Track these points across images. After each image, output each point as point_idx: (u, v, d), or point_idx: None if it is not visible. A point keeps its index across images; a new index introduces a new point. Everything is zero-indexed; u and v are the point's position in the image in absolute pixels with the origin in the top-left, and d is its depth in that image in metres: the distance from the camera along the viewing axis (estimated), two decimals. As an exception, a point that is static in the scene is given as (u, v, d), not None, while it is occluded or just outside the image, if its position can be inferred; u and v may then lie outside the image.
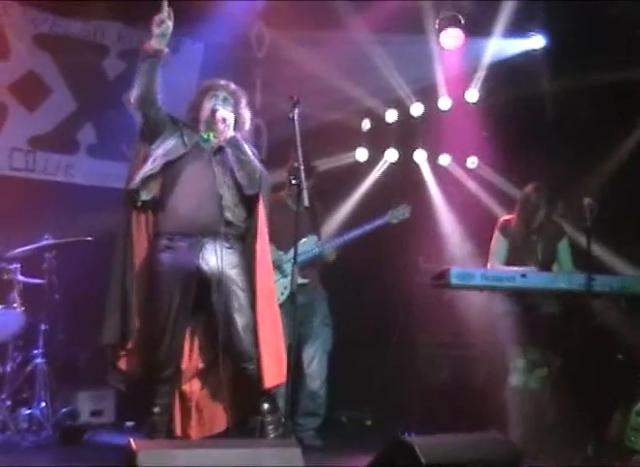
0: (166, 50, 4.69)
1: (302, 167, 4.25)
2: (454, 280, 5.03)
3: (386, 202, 6.04)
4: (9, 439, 5.35)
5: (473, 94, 7.03)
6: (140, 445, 3.38)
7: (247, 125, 4.83)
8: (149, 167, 4.57)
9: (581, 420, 5.00)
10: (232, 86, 4.82)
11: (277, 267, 5.56)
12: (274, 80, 7.04)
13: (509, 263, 5.48)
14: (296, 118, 4.34)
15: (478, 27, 6.67)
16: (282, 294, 5.56)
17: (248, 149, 4.66)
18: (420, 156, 7.35)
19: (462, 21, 6.63)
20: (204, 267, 4.51)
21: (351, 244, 5.86)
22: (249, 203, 4.66)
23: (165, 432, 4.57)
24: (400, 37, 6.82)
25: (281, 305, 5.46)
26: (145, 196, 4.58)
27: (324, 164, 6.52)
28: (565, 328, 5.32)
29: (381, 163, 7.42)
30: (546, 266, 5.53)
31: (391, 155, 7.40)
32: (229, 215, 4.53)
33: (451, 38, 6.68)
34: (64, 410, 5.83)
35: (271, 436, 4.45)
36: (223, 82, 4.83)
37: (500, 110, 6.90)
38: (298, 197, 4.27)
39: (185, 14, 6.69)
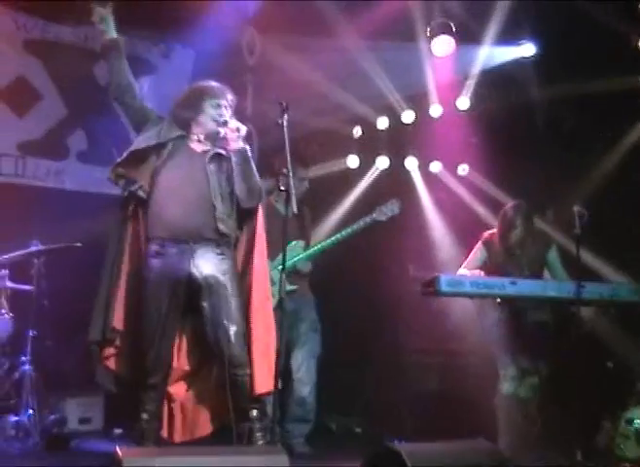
0: (121, 38, 4.77)
1: (290, 174, 4.24)
2: (444, 287, 5.01)
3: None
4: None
5: (464, 102, 7.04)
6: (126, 452, 3.35)
7: None
8: (130, 150, 4.57)
9: (570, 428, 4.99)
10: (231, 94, 4.77)
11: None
12: (266, 86, 7.03)
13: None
14: (285, 124, 4.31)
15: (469, 35, 6.67)
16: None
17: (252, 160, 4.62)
18: (411, 163, 7.36)
19: (453, 29, 6.61)
20: (195, 273, 4.48)
21: (342, 252, 5.84)
22: (243, 213, 4.63)
23: (154, 438, 4.54)
24: (391, 44, 6.82)
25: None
26: (118, 179, 4.59)
27: (315, 171, 6.51)
28: (555, 336, 5.32)
29: (372, 170, 7.43)
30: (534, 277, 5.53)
31: (382, 162, 7.40)
32: (222, 227, 4.51)
33: (442, 45, 6.66)
34: (52, 417, 5.81)
35: (260, 442, 4.42)
36: (223, 88, 4.76)
37: (491, 117, 6.91)
38: (286, 204, 4.26)
39: (175, 20, 6.74)
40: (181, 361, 4.69)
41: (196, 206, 4.51)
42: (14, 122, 6.65)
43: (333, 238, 5.74)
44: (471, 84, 6.97)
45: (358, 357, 6.67)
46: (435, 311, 6.19)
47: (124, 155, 4.58)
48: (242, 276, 4.65)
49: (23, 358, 5.76)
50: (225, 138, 4.60)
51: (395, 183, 7.31)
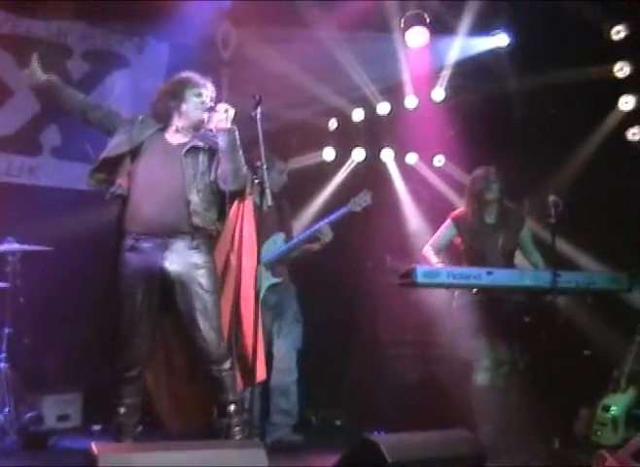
0: (52, 77, 4.79)
1: (264, 166, 4.23)
2: (420, 278, 5.02)
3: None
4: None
5: (439, 93, 7.04)
6: (102, 448, 3.35)
7: None
8: (103, 155, 4.58)
9: (547, 416, 5.02)
10: (212, 86, 4.76)
11: None
12: (241, 80, 7.00)
13: (469, 255, 5.49)
14: (258, 116, 4.31)
15: (443, 26, 6.67)
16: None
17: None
18: (387, 155, 7.36)
19: (427, 20, 6.61)
20: (168, 268, 4.46)
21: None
22: (222, 204, 4.58)
23: (132, 433, 4.52)
24: (366, 35, 6.82)
25: None
26: (98, 183, 4.59)
27: (291, 164, 6.49)
28: (531, 325, 5.35)
29: (348, 163, 7.43)
30: (508, 253, 5.55)
31: (358, 154, 7.40)
32: (197, 220, 4.47)
33: (417, 36, 6.66)
34: (29, 414, 5.76)
35: (237, 437, 4.41)
36: (203, 78, 4.75)
37: (467, 108, 6.91)
38: (261, 196, 4.24)
39: (149, 14, 6.69)
40: (159, 357, 4.68)
41: (171, 201, 4.48)
42: (-15, 118, 6.60)
43: (313, 230, 5.72)
44: (446, 75, 6.96)
45: (337, 349, 6.67)
46: (413, 302, 6.20)
47: (98, 161, 4.58)
48: (226, 270, 4.64)
49: (-1, 356, 5.73)
50: (210, 121, 4.58)
51: (371, 175, 7.31)
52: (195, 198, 4.48)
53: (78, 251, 6.12)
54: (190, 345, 4.50)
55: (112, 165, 4.57)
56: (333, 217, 5.73)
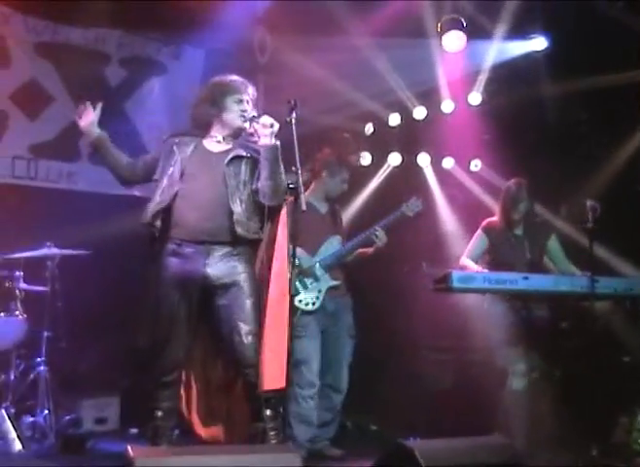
0: (103, 135, 4.78)
1: (299, 171, 4.22)
2: (456, 283, 4.99)
3: (390, 206, 6.00)
4: (11, 447, 5.35)
5: (475, 97, 7.02)
6: (138, 451, 3.36)
7: None
8: (157, 201, 4.51)
9: (585, 424, 4.96)
10: (252, 88, 4.72)
11: (310, 273, 5.50)
12: (277, 85, 7.02)
13: (497, 263, 5.47)
14: (293, 121, 4.27)
15: (479, 30, 6.65)
16: (317, 298, 5.49)
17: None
18: (423, 159, 7.34)
19: (464, 24, 6.60)
20: (210, 273, 4.46)
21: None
22: (266, 211, 4.56)
23: (168, 437, 4.53)
24: (402, 41, 6.80)
25: (313, 312, 5.48)
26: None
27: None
28: (568, 331, 5.30)
29: (385, 167, 7.42)
30: (535, 264, 5.52)
31: (394, 158, 7.39)
32: (240, 230, 4.46)
33: (453, 41, 6.65)
34: (67, 418, 5.85)
35: (273, 442, 4.39)
36: (244, 81, 4.70)
37: (503, 112, 6.87)
38: (295, 202, 4.24)
39: (186, 21, 6.75)
40: (198, 364, 4.68)
41: (214, 208, 4.47)
42: (26, 124, 6.68)
43: (368, 232, 5.61)
44: (482, 79, 6.94)
45: (373, 355, 6.64)
46: (449, 307, 6.16)
47: (162, 197, 4.50)
48: (262, 276, 4.61)
49: (38, 359, 5.81)
50: (254, 134, 4.52)
51: (407, 180, 7.30)
52: (237, 209, 4.47)
53: (115, 255, 6.18)
54: (228, 350, 4.48)
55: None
56: (386, 221, 5.65)
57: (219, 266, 4.46)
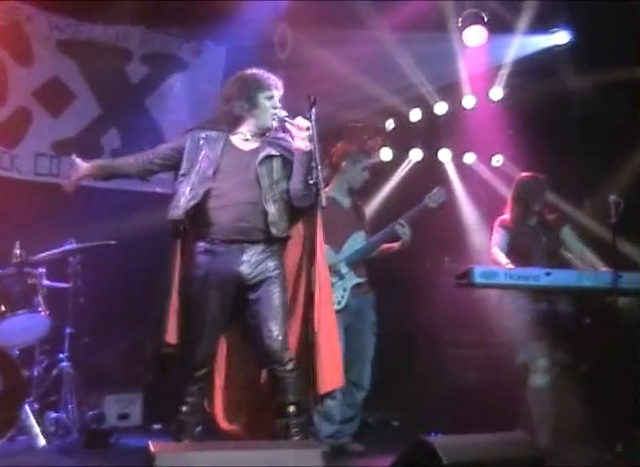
0: (93, 166, 4.86)
1: (319, 167, 4.21)
2: (478, 279, 4.94)
3: (411, 202, 5.98)
4: (35, 442, 5.39)
5: (497, 92, 6.97)
6: (159, 447, 3.38)
7: None
8: (188, 197, 4.47)
9: (609, 420, 4.93)
10: (281, 84, 4.70)
11: (334, 269, 5.47)
12: (298, 81, 7.00)
13: (513, 255, 5.44)
14: (313, 117, 4.27)
15: (501, 24, 6.60)
16: (342, 297, 5.49)
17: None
18: (445, 155, 7.31)
19: (485, 18, 6.57)
20: (244, 271, 4.45)
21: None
22: (296, 210, 4.55)
23: (192, 432, 4.52)
24: (423, 35, 6.76)
25: (338, 311, 5.36)
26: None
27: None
28: (591, 326, 5.26)
29: (406, 163, 7.40)
30: (551, 253, 5.49)
31: (415, 154, 7.37)
32: (274, 230, 4.46)
33: (474, 35, 6.62)
34: (91, 413, 5.88)
35: (296, 438, 4.36)
36: (275, 78, 4.68)
37: (525, 107, 6.83)
38: (315, 198, 4.22)
39: (207, 17, 6.76)
40: (227, 358, 4.68)
41: (247, 208, 4.46)
42: (49, 121, 6.74)
43: (391, 227, 5.58)
44: (504, 73, 6.89)
45: (395, 350, 6.63)
46: (471, 303, 6.14)
47: (194, 192, 4.45)
48: (298, 274, 4.59)
49: (61, 355, 5.86)
50: (289, 133, 4.51)
51: (429, 175, 7.26)
52: (271, 209, 4.46)
53: (137, 251, 6.21)
54: (256, 345, 4.48)
55: None
56: (410, 213, 5.61)
57: (252, 264, 4.46)
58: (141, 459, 3.47)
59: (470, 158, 7.31)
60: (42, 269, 5.81)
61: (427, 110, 7.31)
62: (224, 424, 4.64)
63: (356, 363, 5.59)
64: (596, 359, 5.23)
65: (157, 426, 6.19)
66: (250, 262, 4.46)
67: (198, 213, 4.50)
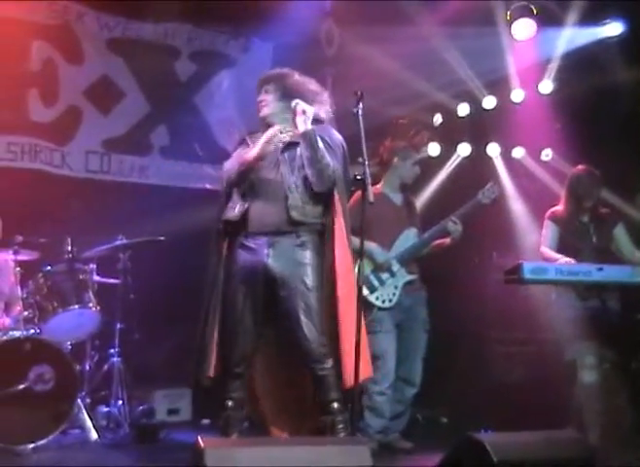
0: None
1: (366, 162, 4.20)
2: (527, 275, 4.87)
3: (459, 197, 5.94)
4: (87, 436, 5.47)
5: (547, 86, 6.87)
6: (208, 442, 3.38)
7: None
8: (241, 203, 4.55)
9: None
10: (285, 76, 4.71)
11: (386, 267, 5.47)
12: (345, 77, 7.01)
13: (563, 249, 5.37)
14: (360, 113, 4.25)
15: (550, 16, 6.51)
16: (394, 294, 5.48)
17: (323, 144, 4.47)
18: (493, 149, 7.23)
19: (534, 11, 6.49)
20: (272, 265, 4.46)
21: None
22: (325, 197, 4.54)
23: (239, 427, 4.56)
24: (471, 30, 6.70)
25: (389, 309, 5.46)
26: None
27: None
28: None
29: (454, 158, 7.33)
30: (602, 251, 5.41)
31: (464, 149, 7.30)
32: (295, 214, 4.45)
33: (523, 28, 6.54)
34: (141, 408, 5.95)
35: (341, 435, 4.37)
36: (277, 72, 4.75)
37: (575, 101, 6.71)
38: (363, 194, 4.21)
39: (254, 14, 6.79)
40: (263, 358, 4.68)
41: (274, 199, 4.49)
42: (99, 119, 6.82)
43: (444, 223, 5.55)
44: (553, 67, 6.79)
45: (443, 347, 6.58)
46: (519, 299, 6.08)
47: (237, 210, 4.54)
48: (329, 267, 4.55)
49: (112, 351, 5.93)
50: (321, 123, 4.55)
51: (477, 170, 7.20)
52: (292, 194, 4.47)
53: (187, 248, 6.25)
54: (292, 345, 4.48)
55: None
56: (463, 210, 5.58)
57: (280, 258, 4.46)
58: (190, 454, 3.49)
59: (519, 152, 7.22)
60: (92, 266, 5.89)
61: (475, 104, 7.24)
62: (269, 421, 4.66)
63: (407, 360, 5.58)
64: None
65: (205, 421, 6.24)
66: (279, 255, 4.46)
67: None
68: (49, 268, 5.72)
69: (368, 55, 6.71)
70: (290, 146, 4.58)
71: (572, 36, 6.53)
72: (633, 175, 6.01)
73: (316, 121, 4.58)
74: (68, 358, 5.43)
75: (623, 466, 4.61)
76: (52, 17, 6.58)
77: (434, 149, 7.30)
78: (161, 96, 7.04)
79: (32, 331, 5.51)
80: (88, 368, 5.85)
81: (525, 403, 5.90)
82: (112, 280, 6.02)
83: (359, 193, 4.47)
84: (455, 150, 7.32)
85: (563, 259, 5.23)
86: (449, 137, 7.35)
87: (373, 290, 5.40)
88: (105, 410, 5.81)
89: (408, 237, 5.60)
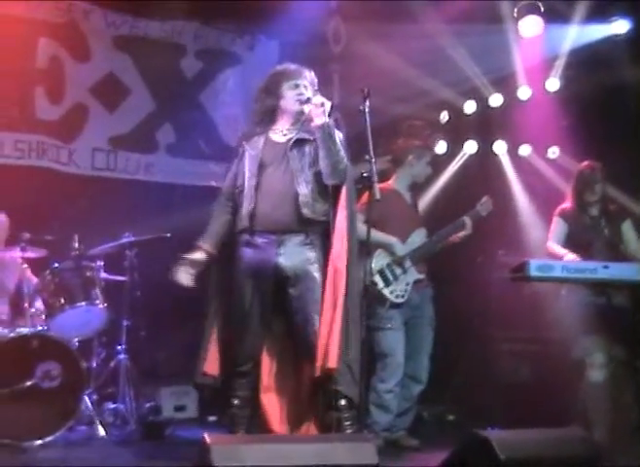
0: (200, 254, 4.71)
1: (373, 160, 4.20)
2: (534, 272, 4.86)
3: (466, 194, 5.95)
4: (94, 432, 5.48)
5: (553, 83, 6.87)
6: (214, 439, 3.40)
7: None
8: (248, 206, 4.53)
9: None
10: (310, 73, 4.68)
11: (400, 262, 5.48)
12: (351, 75, 7.02)
13: (574, 245, 5.37)
14: (366, 110, 4.26)
15: (557, 14, 6.51)
16: (405, 290, 5.48)
17: (338, 138, 4.49)
18: (500, 147, 7.23)
19: (541, 8, 6.49)
20: (283, 263, 4.46)
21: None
22: (333, 194, 4.53)
23: (245, 425, 4.56)
24: (477, 27, 6.71)
25: (400, 305, 5.46)
26: None
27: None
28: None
29: (460, 155, 7.33)
30: (613, 246, 5.40)
31: (470, 146, 7.30)
32: (306, 211, 4.45)
33: (530, 26, 6.56)
34: (147, 405, 5.95)
35: (348, 432, 4.37)
36: (299, 67, 4.68)
37: (582, 98, 6.71)
38: (369, 191, 4.22)
39: (260, 12, 6.79)
40: (272, 354, 4.69)
41: (283, 197, 4.48)
42: (105, 117, 6.84)
43: (455, 224, 5.65)
44: (560, 64, 6.78)
45: (449, 344, 6.59)
46: (525, 298, 6.07)
47: (245, 219, 4.54)
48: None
49: (119, 347, 5.94)
50: (309, 116, 4.50)
51: (484, 167, 7.21)
52: (303, 190, 4.47)
53: (192, 245, 6.24)
54: (301, 342, 4.49)
55: None
56: (469, 215, 5.71)
57: (291, 256, 4.47)
58: (197, 451, 3.50)
59: (525, 150, 7.22)
60: (99, 263, 5.90)
61: (482, 102, 7.24)
62: (276, 419, 4.63)
63: (413, 357, 5.59)
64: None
65: (212, 418, 6.24)
66: (289, 253, 4.46)
67: (238, 206, 4.57)
68: (56, 265, 5.72)
69: (374, 53, 6.72)
70: (298, 143, 4.57)
71: (579, 34, 6.52)
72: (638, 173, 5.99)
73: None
74: (75, 355, 5.43)
75: (629, 464, 4.60)
76: (58, 15, 6.59)
77: (441, 146, 7.30)
78: (167, 94, 7.05)
79: (39, 328, 5.53)
80: (94, 365, 5.86)
81: (531, 400, 5.90)
82: (119, 277, 6.02)
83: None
84: (462, 147, 7.32)
85: (569, 255, 5.22)
86: (456, 135, 7.35)
87: (388, 284, 5.41)
88: (112, 406, 5.82)
89: (420, 237, 5.64)
